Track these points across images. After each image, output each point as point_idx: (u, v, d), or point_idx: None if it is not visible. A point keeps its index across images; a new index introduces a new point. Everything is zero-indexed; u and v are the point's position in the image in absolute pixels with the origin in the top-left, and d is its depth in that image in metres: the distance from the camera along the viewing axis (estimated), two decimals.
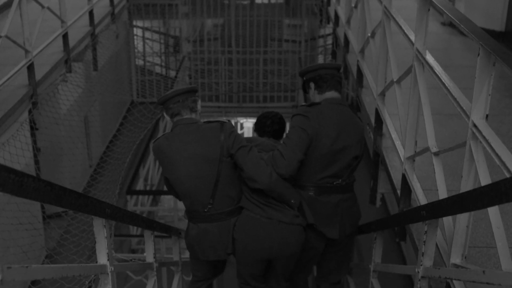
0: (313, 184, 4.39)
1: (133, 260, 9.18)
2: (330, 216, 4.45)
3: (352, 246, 5.07)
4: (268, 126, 4.84)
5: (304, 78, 4.61)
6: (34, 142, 8.94)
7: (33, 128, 9.02)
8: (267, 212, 4.27)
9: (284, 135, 4.53)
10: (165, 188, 12.69)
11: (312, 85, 4.52)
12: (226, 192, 4.35)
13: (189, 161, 4.26)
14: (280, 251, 4.34)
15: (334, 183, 4.45)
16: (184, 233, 4.71)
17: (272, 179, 4.13)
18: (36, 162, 9.16)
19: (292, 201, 4.27)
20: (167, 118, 4.50)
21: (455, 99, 3.26)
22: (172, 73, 16.29)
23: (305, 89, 4.65)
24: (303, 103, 4.55)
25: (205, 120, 4.51)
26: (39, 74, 8.19)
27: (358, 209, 4.73)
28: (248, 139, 4.61)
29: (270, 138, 4.81)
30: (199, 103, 4.66)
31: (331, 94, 4.43)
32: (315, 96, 4.52)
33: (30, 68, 7.68)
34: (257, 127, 4.93)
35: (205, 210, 4.35)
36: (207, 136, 4.31)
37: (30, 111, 8.50)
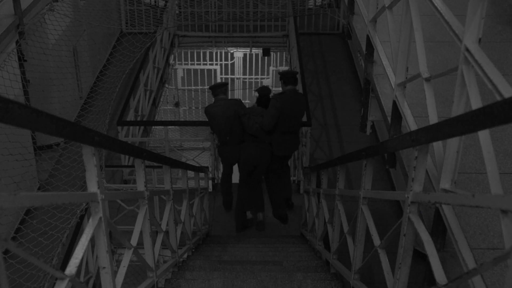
0: (280, 130, 8.79)
1: (124, 190, 9.24)
2: (283, 144, 8.96)
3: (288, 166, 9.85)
4: (263, 104, 8.99)
5: (279, 76, 8.98)
6: (23, 73, 8.84)
7: (21, 59, 8.90)
8: (255, 142, 8.89)
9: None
10: (155, 119, 12.80)
11: (282, 81, 8.87)
12: (236, 132, 8.88)
13: (220, 116, 8.86)
14: (260, 160, 8.92)
15: (289, 129, 8.89)
16: (217, 152, 9.60)
17: (254, 130, 8.74)
18: (25, 93, 9.09)
19: (266, 142, 8.88)
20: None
21: (447, 23, 3.21)
22: (161, 3, 16.02)
23: (280, 80, 8.93)
24: (277, 93, 9.03)
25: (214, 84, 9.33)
26: (24, 3, 8.03)
27: (298, 142, 9.54)
28: (251, 108, 9.13)
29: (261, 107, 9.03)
30: (229, 90, 9.40)
31: (290, 87, 8.83)
32: (283, 87, 8.87)
33: None
34: (258, 102, 9.11)
35: (227, 139, 8.96)
36: (229, 106, 8.89)
37: (17, 42, 8.38)
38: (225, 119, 8.85)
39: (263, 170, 9.21)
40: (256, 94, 9.36)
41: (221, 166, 10.48)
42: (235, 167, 9.67)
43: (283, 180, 9.69)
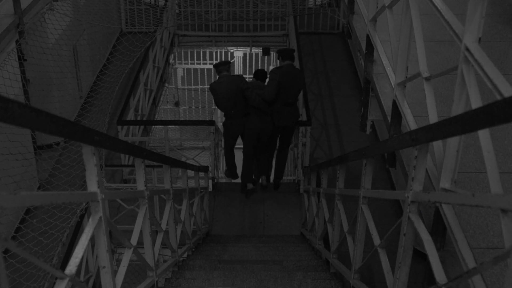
0: (280, 103, 9.46)
1: (124, 189, 9.23)
2: (283, 115, 9.55)
3: (292, 132, 10.12)
4: (260, 78, 9.93)
5: (277, 54, 9.87)
6: (23, 72, 8.84)
7: (21, 58, 8.90)
8: (258, 113, 9.53)
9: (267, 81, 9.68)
10: (155, 118, 12.88)
11: (280, 57, 9.68)
12: (240, 106, 9.46)
13: (223, 91, 9.39)
14: (263, 130, 9.57)
15: (288, 101, 9.53)
16: (223, 126, 9.87)
17: (257, 102, 9.39)
18: (25, 93, 9.09)
19: (267, 113, 9.51)
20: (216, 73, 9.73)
21: (447, 22, 3.21)
22: (161, 2, 16.02)
23: (278, 58, 9.82)
24: (275, 67, 9.98)
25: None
26: (24, 2, 8.02)
27: (298, 114, 10.28)
28: (251, 82, 9.79)
29: (260, 81, 9.85)
30: (230, 67, 9.74)
31: (288, 62, 9.51)
32: (281, 63, 9.63)
33: None
34: (255, 76, 9.94)
35: (232, 112, 9.51)
36: (232, 81, 9.43)
37: (17, 41, 8.37)
38: (228, 93, 9.43)
39: (266, 140, 9.85)
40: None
41: (221, 165, 10.83)
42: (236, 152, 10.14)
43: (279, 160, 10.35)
